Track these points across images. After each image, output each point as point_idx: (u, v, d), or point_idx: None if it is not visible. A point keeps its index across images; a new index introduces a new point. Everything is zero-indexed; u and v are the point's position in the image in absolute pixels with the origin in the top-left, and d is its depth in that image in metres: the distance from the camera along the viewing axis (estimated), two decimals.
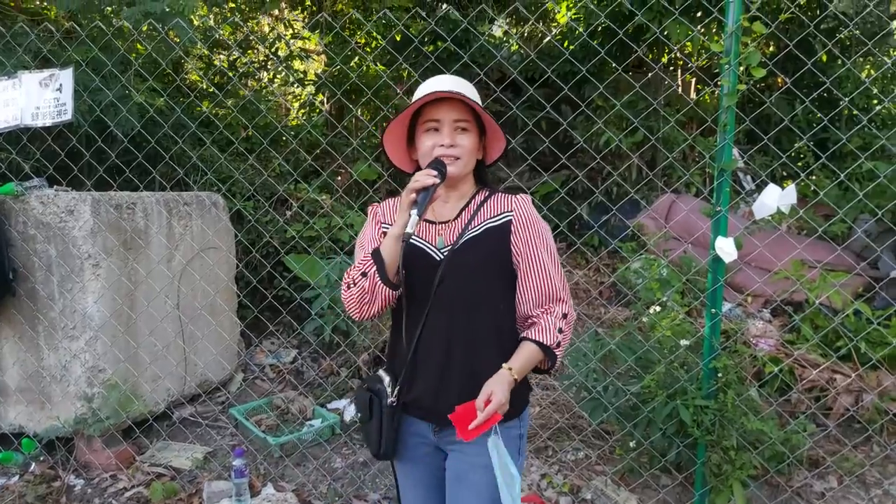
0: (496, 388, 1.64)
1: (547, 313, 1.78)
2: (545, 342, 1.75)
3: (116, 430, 3.67)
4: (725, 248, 2.59)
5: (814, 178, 5.82)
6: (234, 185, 5.32)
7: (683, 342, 3.02)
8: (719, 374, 2.82)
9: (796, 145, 5.91)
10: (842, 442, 3.57)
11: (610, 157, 7.08)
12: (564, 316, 1.80)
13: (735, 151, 2.67)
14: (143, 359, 3.83)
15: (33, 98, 3.42)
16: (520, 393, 1.84)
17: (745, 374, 3.16)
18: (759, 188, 6.34)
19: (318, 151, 5.93)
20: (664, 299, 3.36)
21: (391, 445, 1.81)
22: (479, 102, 1.79)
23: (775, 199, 2.61)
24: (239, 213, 5.06)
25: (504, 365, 1.70)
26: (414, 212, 1.62)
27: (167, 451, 3.76)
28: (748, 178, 6.67)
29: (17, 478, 3.56)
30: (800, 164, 6.26)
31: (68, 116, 3.39)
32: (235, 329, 4.67)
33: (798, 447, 3.09)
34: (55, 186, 3.71)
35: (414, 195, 1.64)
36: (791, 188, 2.63)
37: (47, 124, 3.44)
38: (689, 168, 6.69)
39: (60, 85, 3.39)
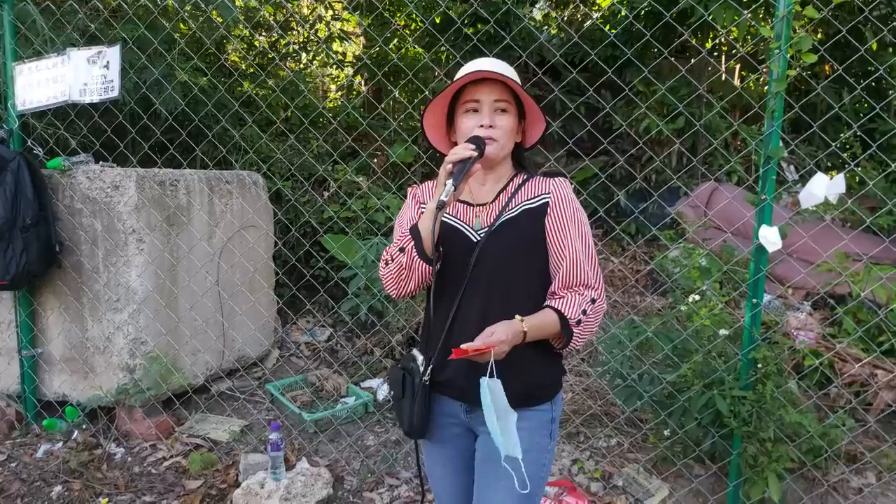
0: (498, 328, 1.61)
1: (575, 293, 1.74)
2: (565, 313, 1.71)
3: (157, 401, 3.77)
4: (770, 237, 2.55)
5: (860, 168, 5.67)
6: (273, 164, 5.38)
7: (722, 332, 2.98)
8: (758, 365, 2.78)
9: (843, 135, 5.75)
10: (882, 438, 3.50)
11: (649, 143, 6.98)
12: (593, 301, 1.75)
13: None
14: (184, 332, 3.91)
15: (81, 74, 3.49)
16: (552, 377, 1.85)
17: (785, 366, 3.11)
18: (803, 179, 6.20)
19: (356, 133, 5.96)
20: (704, 288, 3.32)
21: (422, 424, 1.80)
22: (520, 85, 1.78)
23: (823, 188, 2.55)
24: (278, 193, 5.12)
25: (517, 316, 1.66)
26: (450, 182, 1.62)
27: (205, 423, 3.85)
28: (791, 167, 6.52)
29: (60, 444, 3.67)
30: (846, 154, 6.10)
31: (115, 93, 3.45)
32: (273, 306, 4.74)
33: (836, 441, 3.03)
34: (101, 162, 3.79)
35: (451, 167, 1.64)
36: (840, 178, 2.57)
37: (94, 101, 3.50)
38: (731, 156, 6.57)
39: (108, 62, 3.44)
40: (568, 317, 1.70)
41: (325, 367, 4.63)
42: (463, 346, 1.54)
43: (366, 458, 3.57)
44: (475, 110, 1.76)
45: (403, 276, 1.77)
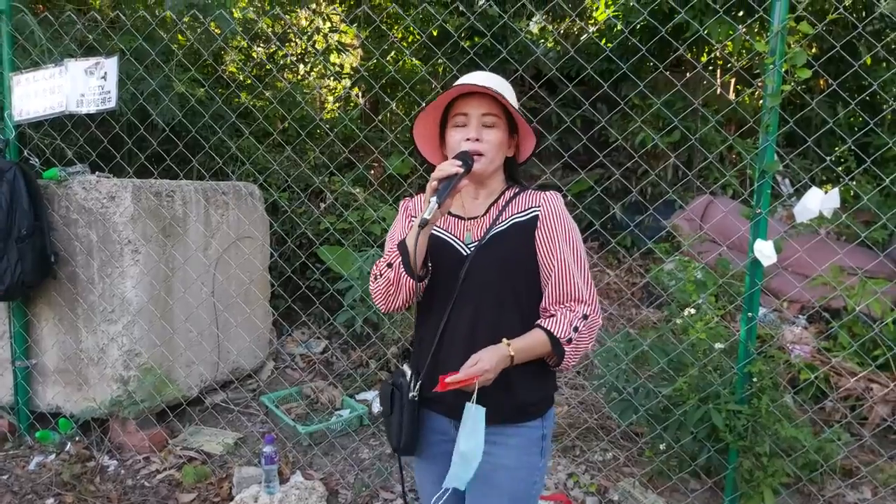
0: (484, 356, 1.62)
1: (567, 309, 1.73)
2: (555, 333, 1.69)
3: (150, 413, 3.74)
4: (765, 251, 2.55)
5: (854, 183, 5.70)
6: (270, 176, 5.38)
7: (718, 345, 2.98)
8: (754, 379, 2.78)
9: (838, 149, 5.79)
10: (877, 453, 3.50)
11: (645, 156, 7.00)
12: (585, 317, 1.73)
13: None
14: (179, 344, 3.89)
15: (79, 85, 3.49)
16: (542, 393, 1.83)
17: (780, 380, 3.11)
18: (798, 192, 6.23)
19: (353, 145, 5.96)
20: (699, 302, 3.32)
21: (410, 441, 1.78)
22: (514, 100, 1.77)
23: (818, 202, 2.56)
24: (274, 204, 5.11)
25: (504, 340, 1.66)
26: (434, 199, 1.60)
27: (199, 436, 3.83)
28: (786, 181, 6.55)
29: (53, 456, 3.65)
30: (840, 168, 6.13)
31: (112, 104, 3.45)
32: (268, 318, 4.73)
33: (832, 456, 3.03)
34: (97, 173, 3.79)
35: (436, 183, 1.62)
36: (834, 192, 2.58)
37: (91, 111, 3.50)
38: (727, 170, 6.60)
39: (105, 73, 3.45)
40: (558, 336, 1.69)
41: (320, 380, 4.61)
42: (447, 380, 1.57)
43: (360, 471, 3.55)
44: (464, 124, 1.75)
45: (392, 291, 1.77)
